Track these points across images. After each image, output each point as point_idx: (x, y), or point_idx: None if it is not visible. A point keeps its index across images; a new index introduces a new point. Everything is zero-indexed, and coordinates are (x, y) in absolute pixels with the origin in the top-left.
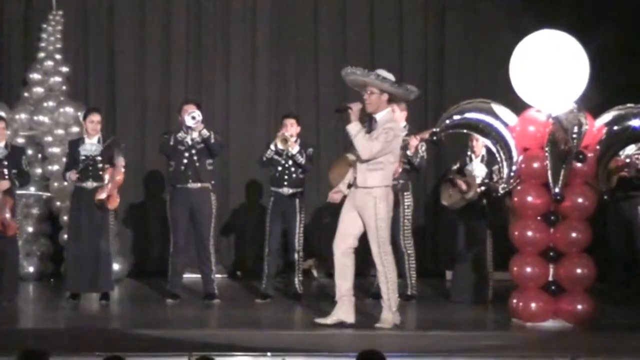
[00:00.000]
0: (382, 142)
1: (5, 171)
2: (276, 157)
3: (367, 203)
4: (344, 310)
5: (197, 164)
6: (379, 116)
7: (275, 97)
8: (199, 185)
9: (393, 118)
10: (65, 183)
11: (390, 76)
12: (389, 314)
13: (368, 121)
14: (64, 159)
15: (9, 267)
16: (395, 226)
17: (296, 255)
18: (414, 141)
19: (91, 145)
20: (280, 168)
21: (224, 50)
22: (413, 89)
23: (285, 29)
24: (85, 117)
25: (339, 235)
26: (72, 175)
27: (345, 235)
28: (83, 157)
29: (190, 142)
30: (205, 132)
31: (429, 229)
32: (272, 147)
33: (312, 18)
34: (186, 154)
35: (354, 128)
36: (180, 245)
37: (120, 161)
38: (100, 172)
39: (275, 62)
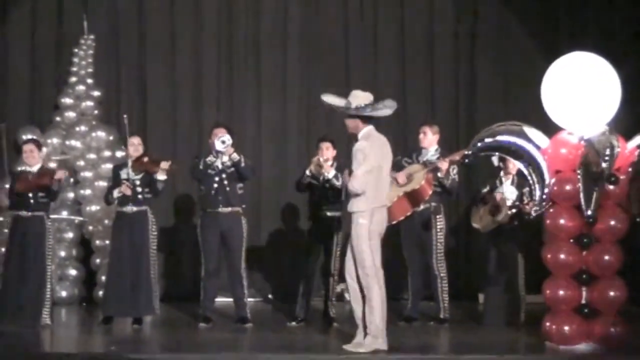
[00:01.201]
0: (359, 170)
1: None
2: (313, 181)
3: (352, 224)
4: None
5: (228, 188)
6: (359, 136)
7: (306, 120)
8: (229, 209)
9: (368, 135)
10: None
11: (364, 98)
12: (368, 338)
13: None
14: (100, 182)
15: (34, 292)
16: (428, 249)
17: (331, 279)
18: (444, 164)
19: (132, 169)
20: (318, 192)
21: (254, 73)
22: (388, 105)
23: (316, 52)
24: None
25: (348, 260)
26: (124, 188)
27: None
28: (124, 180)
29: (220, 166)
30: (235, 156)
31: (461, 252)
32: (308, 172)
33: (342, 42)
34: (216, 178)
35: (347, 181)
36: (212, 269)
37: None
38: (140, 196)
39: (306, 84)
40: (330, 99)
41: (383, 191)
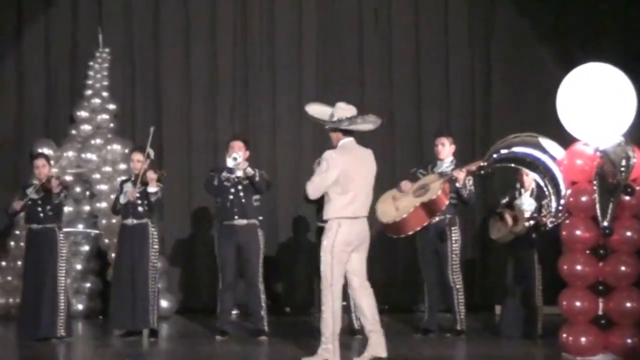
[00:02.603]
0: (317, 176)
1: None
2: None
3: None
4: (375, 344)
5: (243, 200)
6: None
7: (321, 131)
8: (245, 221)
9: (342, 147)
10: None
11: (347, 111)
12: (320, 348)
13: None
14: (112, 196)
15: (48, 304)
16: (444, 261)
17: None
18: (460, 174)
19: (133, 184)
20: None
21: (270, 85)
22: (369, 120)
23: (331, 62)
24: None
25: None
26: (131, 193)
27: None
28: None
29: (235, 179)
30: (249, 171)
31: (478, 263)
32: None
33: (357, 52)
34: (232, 190)
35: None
36: (229, 281)
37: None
38: (140, 209)
39: (322, 96)
40: (314, 109)
41: (357, 201)
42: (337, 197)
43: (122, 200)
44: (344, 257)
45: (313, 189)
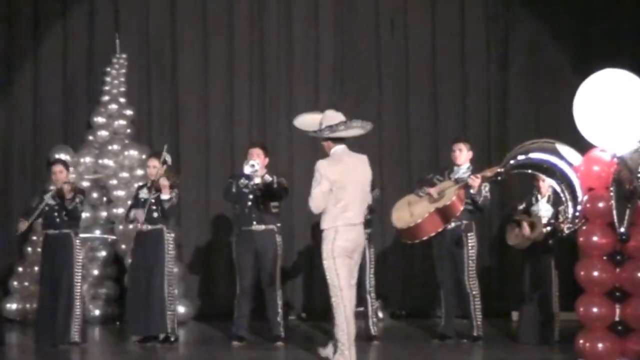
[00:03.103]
0: (314, 189)
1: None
2: None
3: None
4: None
5: (262, 206)
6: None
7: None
8: (263, 227)
9: (333, 155)
10: (131, 226)
11: (336, 118)
12: (337, 356)
13: None
14: (129, 202)
15: (63, 309)
16: (460, 267)
17: (368, 297)
18: (475, 181)
19: (149, 190)
20: None
21: (287, 91)
22: (353, 126)
23: (348, 69)
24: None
25: None
26: (139, 215)
27: None
28: (142, 200)
29: (254, 186)
30: (267, 178)
31: (495, 269)
32: None
33: (374, 58)
34: (250, 196)
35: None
36: (246, 287)
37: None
38: (155, 215)
39: (338, 102)
40: (302, 122)
41: (350, 210)
42: (331, 206)
43: (132, 216)
44: (346, 260)
45: (315, 204)
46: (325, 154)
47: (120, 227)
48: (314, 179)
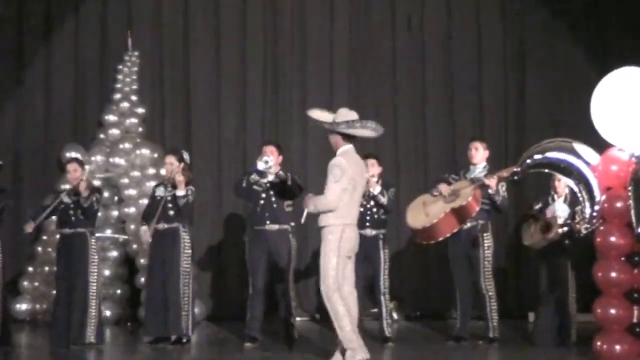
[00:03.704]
0: (334, 185)
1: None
2: None
3: (322, 240)
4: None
5: (275, 205)
6: (337, 153)
7: (359, 138)
8: (276, 227)
9: (346, 153)
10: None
11: (348, 116)
12: (348, 353)
13: None
14: (144, 200)
15: (78, 310)
16: (476, 267)
17: (382, 298)
18: (492, 181)
19: (165, 187)
20: (362, 209)
21: (301, 89)
22: (368, 126)
23: (363, 67)
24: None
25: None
26: (145, 233)
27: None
28: (158, 198)
29: (267, 184)
30: (282, 175)
31: (511, 270)
32: None
33: (390, 57)
34: (263, 195)
35: (309, 208)
36: (259, 288)
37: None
38: (171, 213)
39: (353, 100)
40: (315, 114)
41: (355, 210)
42: (343, 203)
43: (142, 237)
44: (346, 261)
45: (335, 197)
46: (335, 147)
47: (132, 226)
48: (332, 175)
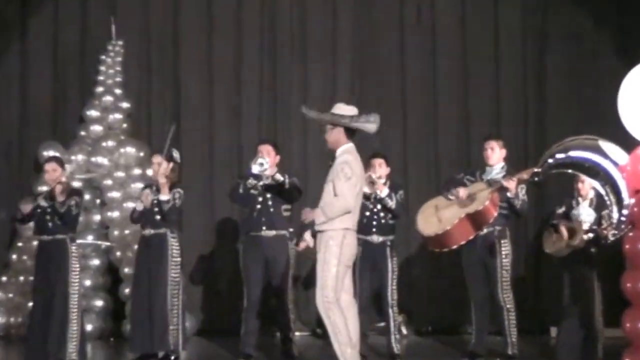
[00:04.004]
0: (344, 186)
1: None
2: (363, 200)
3: (321, 246)
4: None
5: (272, 210)
6: (338, 152)
7: (358, 136)
8: (273, 232)
9: (350, 151)
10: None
11: (348, 111)
12: None
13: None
14: (129, 204)
15: (57, 324)
16: (493, 277)
17: (390, 311)
18: (511, 183)
19: (151, 189)
20: (368, 213)
21: (301, 83)
22: (372, 120)
23: (369, 60)
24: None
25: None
26: (144, 198)
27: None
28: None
29: (263, 187)
30: (279, 177)
31: (531, 281)
32: None
33: (398, 49)
34: (259, 199)
35: (319, 219)
36: (255, 299)
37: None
38: (157, 218)
39: (358, 97)
40: (312, 113)
41: (357, 214)
42: None
43: (138, 207)
44: (347, 269)
45: (347, 203)
46: (331, 149)
47: (116, 232)
48: (343, 174)
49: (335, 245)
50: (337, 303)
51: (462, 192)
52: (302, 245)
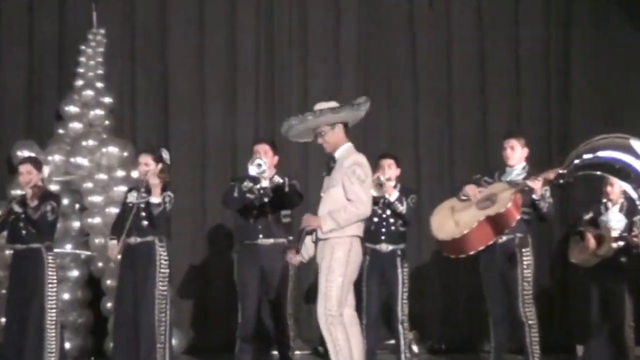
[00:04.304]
0: (361, 188)
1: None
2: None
3: (325, 254)
4: None
5: (270, 215)
6: (338, 153)
7: (362, 135)
8: (271, 241)
9: (354, 151)
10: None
11: (331, 104)
12: None
13: (327, 163)
14: (112, 209)
15: (33, 342)
16: (513, 290)
17: (401, 327)
18: (537, 183)
19: (138, 192)
20: (376, 219)
21: (301, 78)
22: (360, 102)
23: (376, 52)
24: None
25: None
26: (112, 249)
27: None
28: (130, 206)
29: (260, 191)
30: (277, 179)
31: (555, 294)
32: None
33: (408, 38)
34: (256, 204)
35: (327, 226)
36: (250, 315)
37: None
38: (144, 224)
39: (363, 90)
40: (295, 128)
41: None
42: None
43: (110, 254)
44: (351, 283)
45: (367, 209)
46: (333, 147)
47: (97, 240)
48: (356, 176)
49: (342, 252)
50: (340, 318)
51: (471, 190)
52: (295, 259)
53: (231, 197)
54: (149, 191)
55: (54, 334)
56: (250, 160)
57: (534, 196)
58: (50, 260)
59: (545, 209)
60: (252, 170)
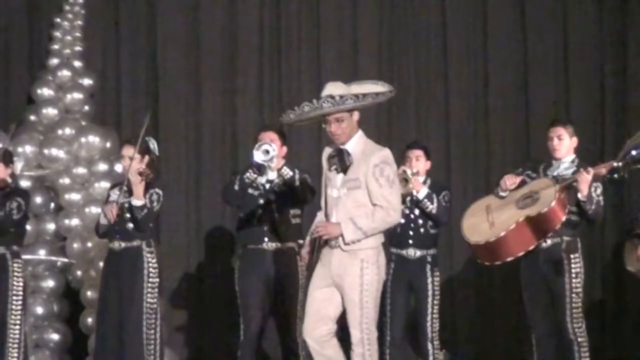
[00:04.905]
0: (391, 191)
1: None
2: None
3: (349, 269)
4: None
5: (277, 215)
6: (350, 146)
7: (386, 122)
8: (278, 245)
9: (371, 143)
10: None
11: (344, 89)
12: None
13: (335, 157)
14: (92, 208)
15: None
16: (559, 302)
17: (430, 345)
18: (584, 177)
19: (121, 190)
20: (403, 220)
21: (312, 54)
22: (380, 90)
23: (398, 31)
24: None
25: (309, 319)
26: (108, 211)
27: (319, 318)
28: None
29: (266, 185)
30: (287, 172)
31: (610, 307)
32: None
33: (439, 22)
34: (261, 201)
35: (350, 236)
36: (254, 331)
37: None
38: (129, 226)
39: (382, 76)
40: (308, 107)
41: None
42: None
43: (102, 220)
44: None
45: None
46: (347, 137)
47: (75, 245)
48: (384, 178)
49: (373, 267)
50: (372, 347)
51: (510, 179)
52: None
53: (231, 191)
54: (131, 191)
55: (17, 352)
56: (256, 145)
57: (579, 196)
58: (16, 268)
59: (591, 210)
60: (258, 156)
